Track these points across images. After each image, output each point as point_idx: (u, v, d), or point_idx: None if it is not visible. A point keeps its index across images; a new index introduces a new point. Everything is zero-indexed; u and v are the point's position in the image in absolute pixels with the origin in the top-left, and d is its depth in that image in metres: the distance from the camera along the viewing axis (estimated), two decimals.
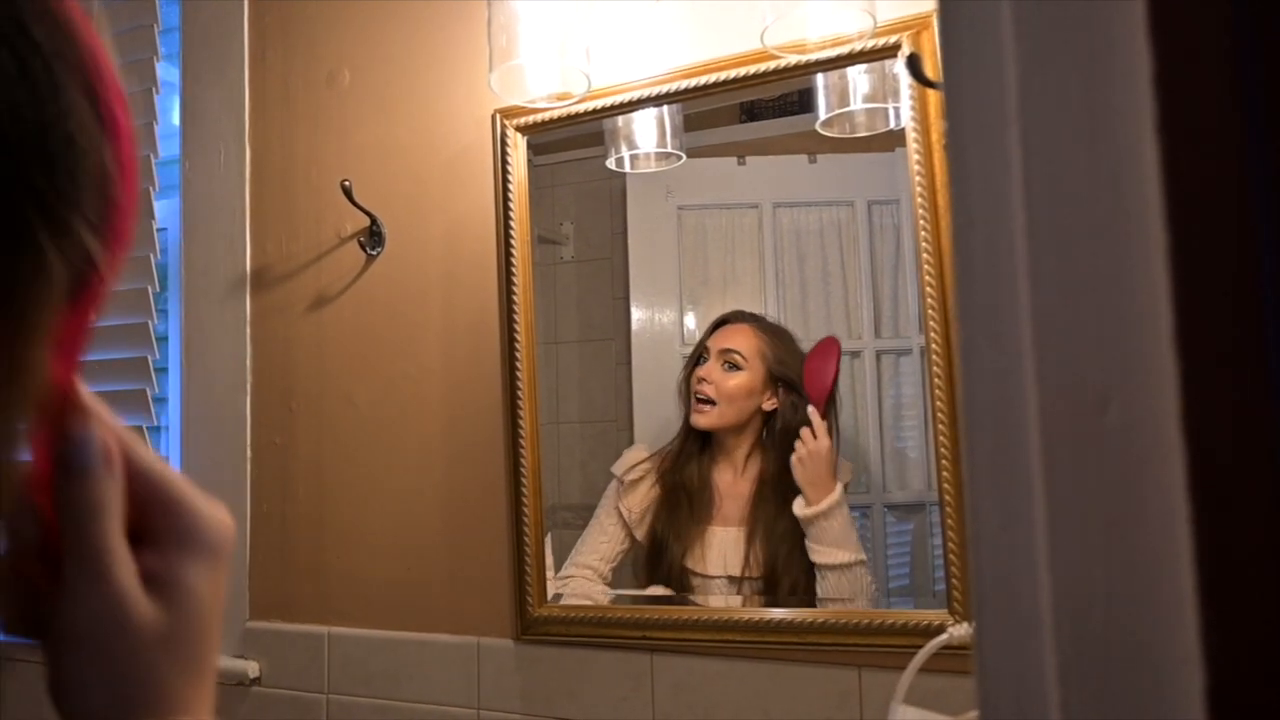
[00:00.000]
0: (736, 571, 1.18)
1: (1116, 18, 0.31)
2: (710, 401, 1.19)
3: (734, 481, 1.21)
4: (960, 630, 0.78)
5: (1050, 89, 0.32)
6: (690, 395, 1.21)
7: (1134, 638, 0.29)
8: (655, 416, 1.27)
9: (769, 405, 1.19)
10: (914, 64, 0.92)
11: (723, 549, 1.19)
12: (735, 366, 1.19)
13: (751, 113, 1.22)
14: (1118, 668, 0.30)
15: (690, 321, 1.27)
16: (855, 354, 1.18)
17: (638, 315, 1.28)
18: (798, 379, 1.17)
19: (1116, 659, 0.30)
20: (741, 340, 1.20)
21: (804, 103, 1.18)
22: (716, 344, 1.20)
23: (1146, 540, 0.30)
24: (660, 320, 1.28)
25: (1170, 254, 0.29)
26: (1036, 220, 0.32)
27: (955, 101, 0.34)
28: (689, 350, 1.25)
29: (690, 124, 1.24)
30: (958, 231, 0.34)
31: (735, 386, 1.19)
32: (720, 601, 1.18)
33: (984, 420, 0.33)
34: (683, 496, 1.22)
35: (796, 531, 1.15)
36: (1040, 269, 0.31)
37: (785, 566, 1.15)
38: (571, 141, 1.30)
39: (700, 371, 1.20)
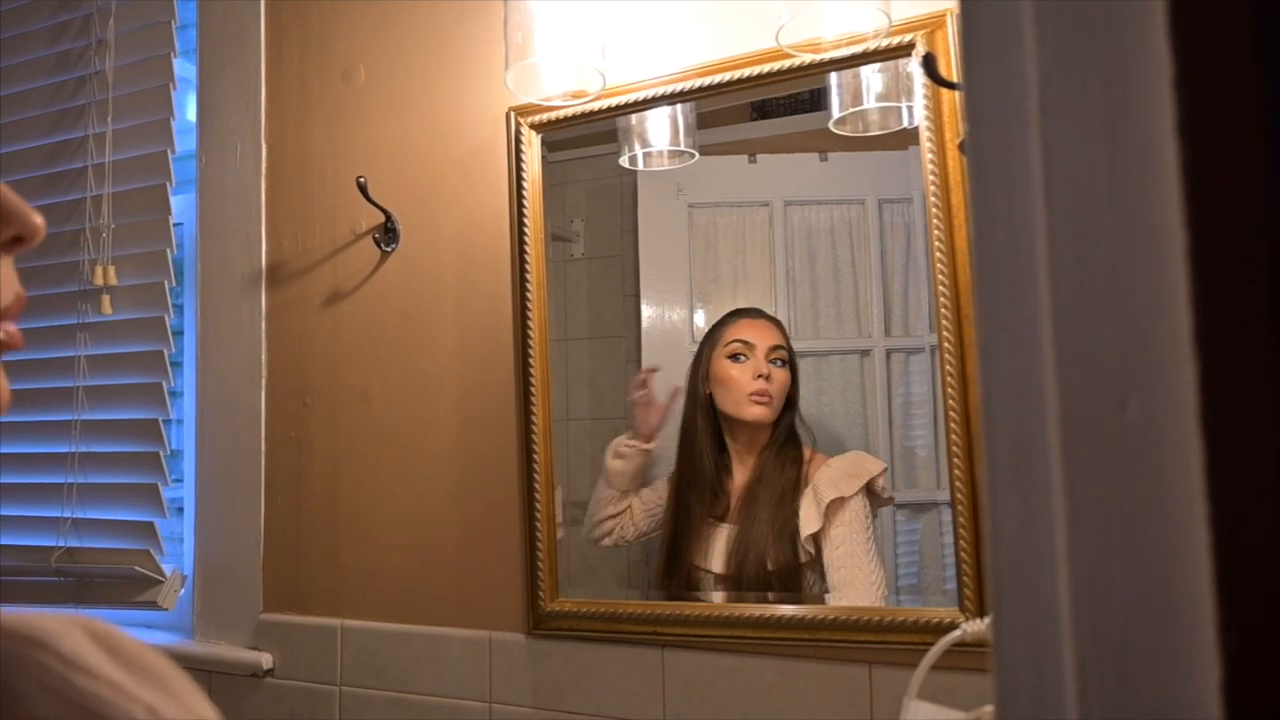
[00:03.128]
0: (720, 569, 1.20)
1: (1137, 20, 0.31)
2: (770, 395, 1.19)
3: (741, 477, 1.22)
4: (973, 627, 0.79)
5: (1071, 90, 0.32)
6: (738, 392, 1.21)
7: (1151, 633, 0.30)
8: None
9: (791, 393, 1.21)
10: (929, 63, 0.92)
11: (721, 545, 1.20)
12: (782, 362, 1.20)
13: (762, 111, 1.22)
14: (1135, 663, 0.30)
15: (700, 319, 1.27)
16: (865, 352, 1.18)
17: (648, 313, 1.29)
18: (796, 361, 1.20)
19: (1134, 654, 0.30)
20: (777, 335, 1.20)
21: (815, 101, 1.18)
22: (763, 340, 1.20)
23: (1164, 538, 0.30)
24: (670, 318, 1.28)
25: (1189, 254, 0.30)
26: (1056, 220, 0.32)
27: (976, 102, 0.34)
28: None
29: (701, 122, 1.24)
30: (978, 231, 0.34)
31: (783, 380, 1.20)
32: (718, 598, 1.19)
33: (1003, 418, 0.33)
34: (693, 494, 1.23)
35: (779, 522, 1.16)
36: (1060, 268, 0.32)
37: (769, 558, 1.17)
38: (584, 139, 1.30)
39: (760, 368, 1.20)
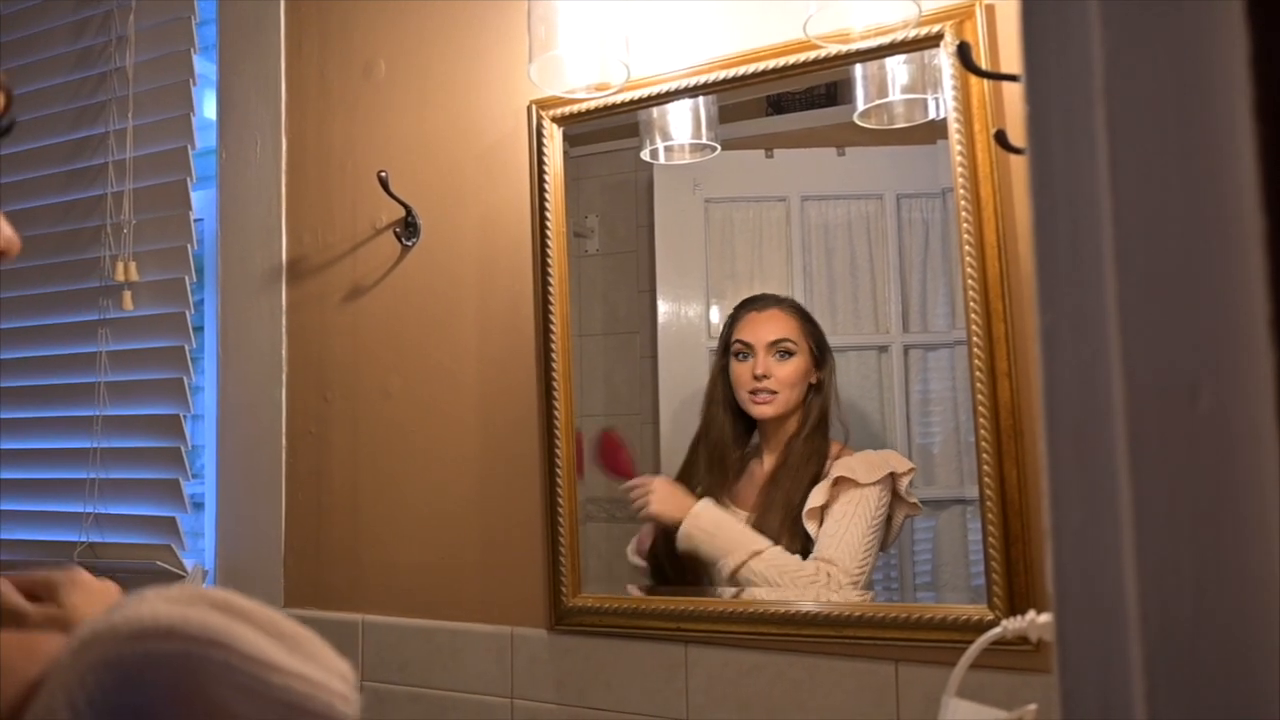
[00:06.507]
0: None
1: None
2: (772, 392, 1.19)
3: (769, 464, 1.22)
4: (1014, 623, 0.77)
5: (1139, 69, 0.31)
6: (742, 392, 1.21)
7: (1225, 631, 0.29)
8: (680, 409, 1.27)
9: (814, 379, 1.19)
10: (964, 52, 0.91)
11: None
12: (788, 353, 1.19)
13: (778, 105, 1.21)
14: (1207, 661, 0.29)
15: (716, 315, 1.26)
16: (883, 348, 1.17)
17: (664, 308, 1.28)
18: (827, 347, 1.19)
19: (1206, 652, 0.29)
20: (785, 326, 1.19)
21: (832, 95, 1.17)
22: (761, 337, 1.20)
23: (1238, 532, 0.29)
24: (686, 314, 1.27)
25: (1266, 238, 0.29)
26: (1124, 204, 0.31)
27: (1037, 82, 0.33)
28: (715, 344, 1.24)
29: (720, 116, 1.24)
30: (1039, 217, 0.33)
31: (793, 372, 1.19)
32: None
33: (1066, 409, 0.32)
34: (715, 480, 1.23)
35: (793, 509, 1.16)
36: (1127, 254, 0.31)
37: (782, 544, 1.16)
38: (603, 133, 1.29)
39: (756, 368, 1.19)
